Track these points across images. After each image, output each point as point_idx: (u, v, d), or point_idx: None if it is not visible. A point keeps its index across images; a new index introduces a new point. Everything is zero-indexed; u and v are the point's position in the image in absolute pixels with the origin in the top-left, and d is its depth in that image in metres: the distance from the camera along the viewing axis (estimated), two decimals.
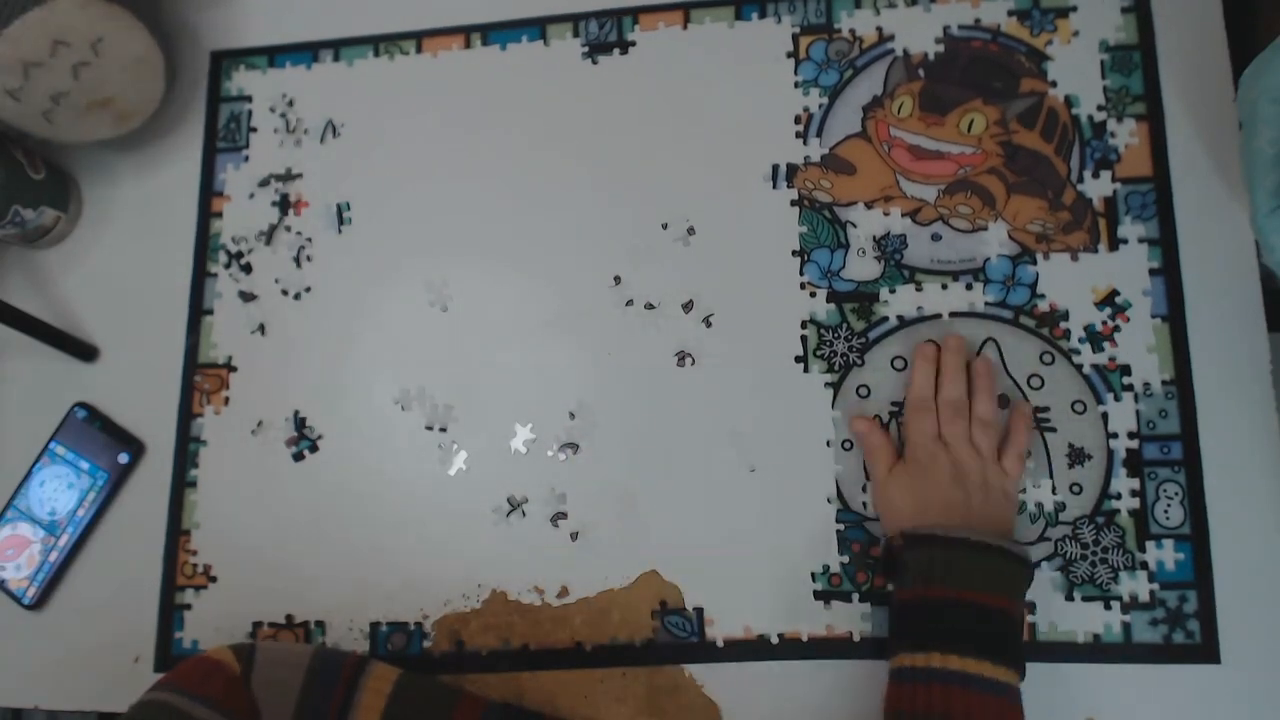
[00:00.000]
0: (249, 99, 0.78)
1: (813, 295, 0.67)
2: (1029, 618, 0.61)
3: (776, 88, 0.71)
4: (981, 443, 0.60)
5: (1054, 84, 0.67)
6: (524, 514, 0.67)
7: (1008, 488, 0.59)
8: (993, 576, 0.54)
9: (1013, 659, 0.53)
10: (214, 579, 0.70)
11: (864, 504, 0.64)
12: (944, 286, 0.66)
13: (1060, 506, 0.62)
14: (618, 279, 0.70)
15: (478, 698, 0.61)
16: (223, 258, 0.75)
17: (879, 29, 0.70)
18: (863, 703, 0.61)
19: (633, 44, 0.73)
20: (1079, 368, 0.63)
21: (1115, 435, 0.62)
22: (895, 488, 0.60)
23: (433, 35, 0.76)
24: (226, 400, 0.73)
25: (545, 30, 0.75)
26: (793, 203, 0.69)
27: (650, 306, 0.69)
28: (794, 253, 0.68)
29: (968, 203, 0.66)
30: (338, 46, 0.77)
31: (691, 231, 0.69)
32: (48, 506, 0.72)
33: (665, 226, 0.70)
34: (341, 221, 0.74)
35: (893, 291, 0.66)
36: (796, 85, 0.70)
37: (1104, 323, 0.64)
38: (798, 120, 0.70)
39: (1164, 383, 0.62)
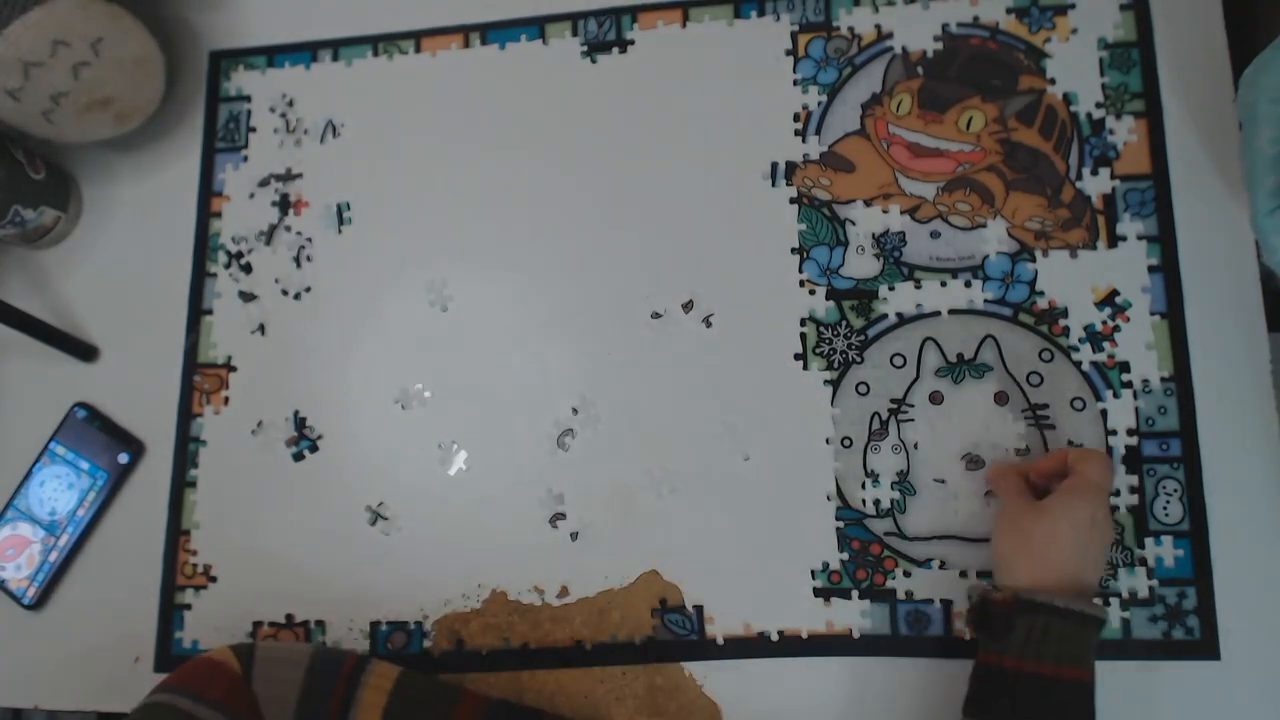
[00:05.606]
0: (248, 99, 0.78)
1: (812, 293, 0.67)
2: None
3: (775, 85, 0.71)
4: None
5: (1052, 81, 0.67)
6: (524, 514, 0.67)
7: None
8: (1083, 646, 0.51)
9: None
10: (214, 579, 0.70)
11: (862, 500, 0.64)
12: (943, 284, 0.66)
13: None
14: (618, 279, 0.70)
15: (479, 696, 0.61)
16: (222, 258, 0.75)
17: (877, 27, 0.70)
18: (862, 699, 0.61)
19: (631, 43, 0.73)
20: (1078, 365, 0.63)
21: (1114, 432, 0.62)
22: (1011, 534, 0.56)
23: (431, 35, 0.76)
24: (226, 400, 0.73)
25: (544, 29, 0.75)
26: (792, 200, 0.69)
27: (653, 310, 0.69)
28: (793, 250, 0.68)
29: (966, 200, 0.66)
30: (336, 46, 0.77)
31: (691, 231, 0.69)
32: (48, 506, 0.72)
33: (664, 226, 0.70)
34: (341, 221, 0.74)
35: (892, 289, 0.66)
36: (795, 83, 0.70)
37: (1104, 321, 0.64)
38: (796, 118, 0.70)
39: (1163, 379, 0.62)
